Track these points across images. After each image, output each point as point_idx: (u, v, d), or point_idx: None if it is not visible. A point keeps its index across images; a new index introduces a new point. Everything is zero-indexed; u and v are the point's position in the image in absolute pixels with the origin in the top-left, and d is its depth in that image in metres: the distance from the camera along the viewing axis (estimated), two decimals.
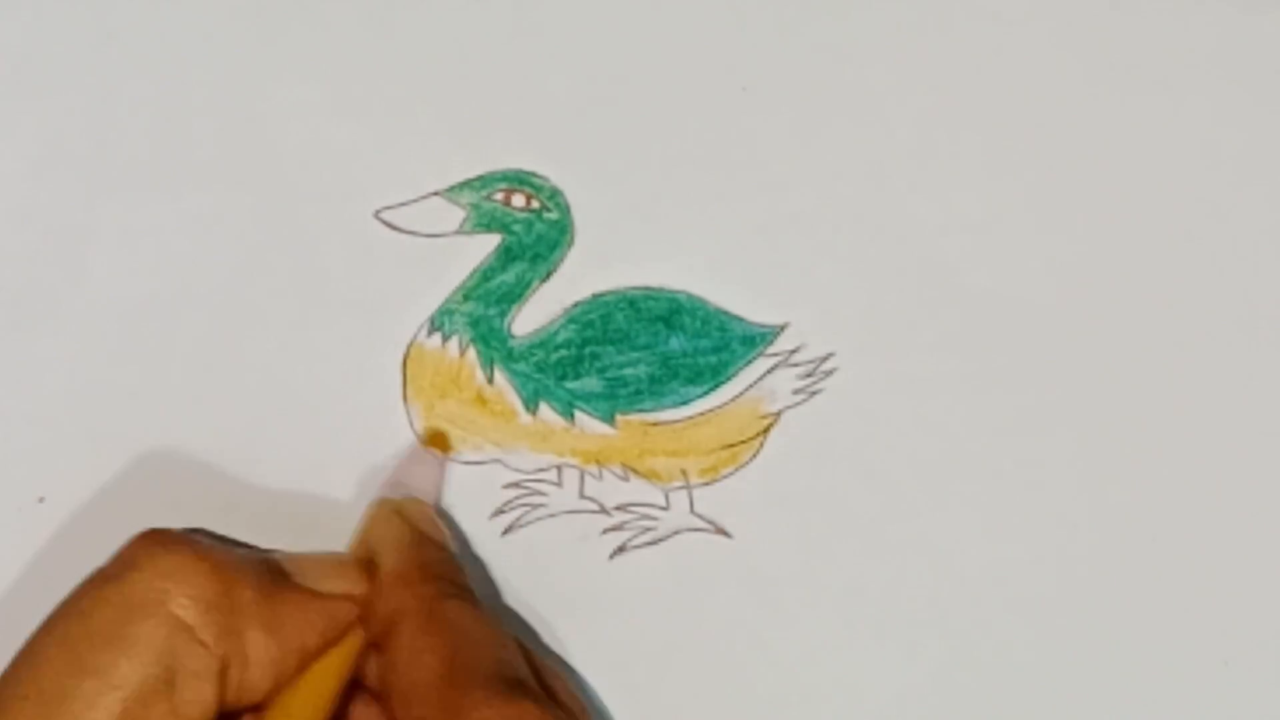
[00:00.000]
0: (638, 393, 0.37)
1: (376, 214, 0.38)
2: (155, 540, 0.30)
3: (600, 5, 0.39)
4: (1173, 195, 0.38)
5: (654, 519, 0.36)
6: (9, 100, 0.39)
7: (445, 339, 0.37)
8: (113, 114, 0.39)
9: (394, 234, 0.38)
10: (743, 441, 0.37)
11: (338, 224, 0.38)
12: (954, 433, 0.37)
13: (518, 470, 0.37)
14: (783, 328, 0.37)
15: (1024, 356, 0.37)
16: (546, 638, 0.36)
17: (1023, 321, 0.37)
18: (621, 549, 0.36)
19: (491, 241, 0.38)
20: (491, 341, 0.37)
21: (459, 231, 0.38)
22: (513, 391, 0.37)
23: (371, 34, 0.39)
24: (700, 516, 0.36)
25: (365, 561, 0.33)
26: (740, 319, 0.37)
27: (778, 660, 0.36)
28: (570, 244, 0.38)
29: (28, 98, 0.39)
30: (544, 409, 0.37)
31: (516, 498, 0.36)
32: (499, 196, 0.38)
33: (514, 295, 0.37)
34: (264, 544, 0.34)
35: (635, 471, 0.37)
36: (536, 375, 0.37)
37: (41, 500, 0.37)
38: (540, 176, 0.38)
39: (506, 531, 0.36)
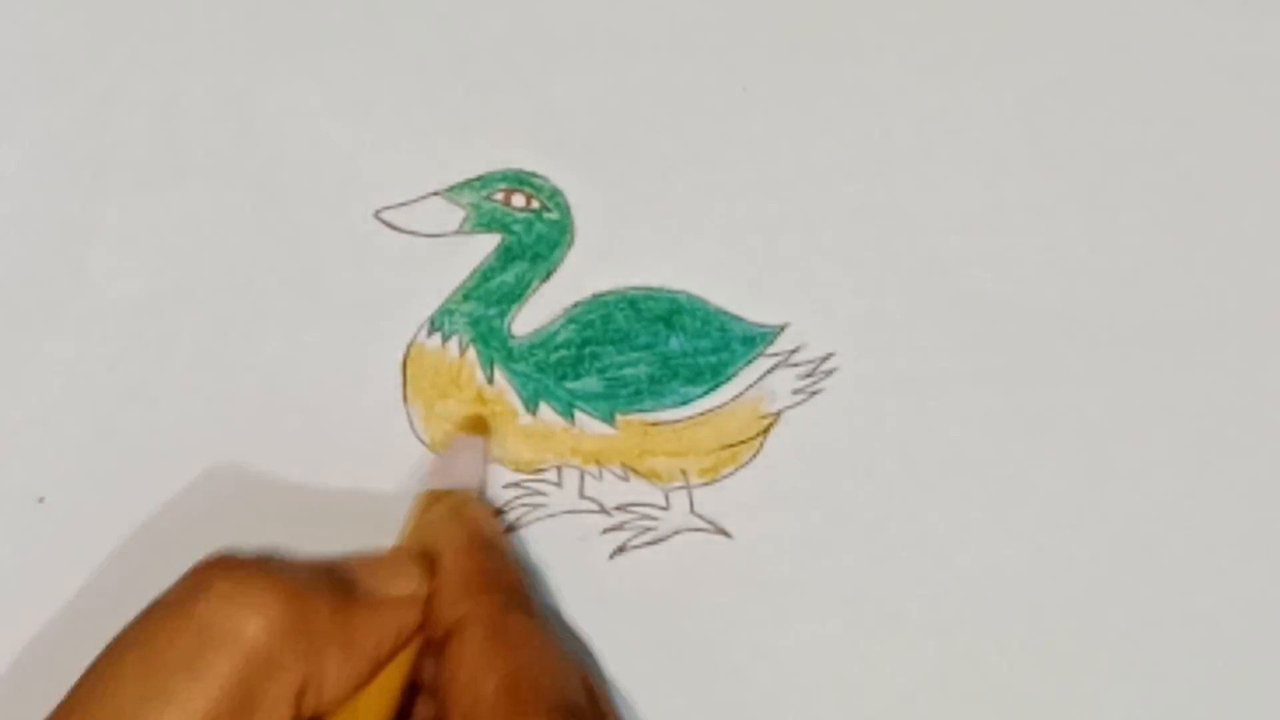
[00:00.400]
0: (638, 393, 0.37)
1: (376, 214, 0.38)
2: (223, 565, 0.30)
3: (600, 5, 0.39)
4: (1173, 195, 0.38)
5: (654, 519, 0.36)
6: (9, 100, 0.39)
7: (445, 339, 0.37)
8: (113, 114, 0.39)
9: (394, 234, 0.38)
10: (743, 441, 0.37)
11: (338, 224, 0.38)
12: (954, 433, 0.37)
13: (517, 471, 0.37)
14: (783, 328, 0.37)
15: (1024, 356, 0.37)
16: None
17: (1022, 321, 0.37)
18: (621, 549, 0.36)
19: (491, 241, 0.38)
20: (491, 341, 0.37)
21: (459, 231, 0.38)
22: (513, 391, 0.37)
23: (371, 34, 0.39)
24: (700, 516, 0.36)
25: (424, 558, 0.32)
26: (740, 319, 0.37)
27: (778, 660, 0.36)
28: (570, 244, 0.38)
29: (28, 98, 0.39)
30: (544, 409, 0.37)
31: (516, 498, 0.36)
32: (499, 196, 0.38)
33: (514, 295, 0.37)
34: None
35: (635, 471, 0.37)
36: (536, 375, 0.37)
37: (41, 500, 0.37)
38: (540, 176, 0.38)
39: (507, 532, 0.36)
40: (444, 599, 0.32)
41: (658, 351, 0.37)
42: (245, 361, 0.37)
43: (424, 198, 0.38)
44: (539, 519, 0.36)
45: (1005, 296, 0.37)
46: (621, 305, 0.37)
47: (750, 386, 0.37)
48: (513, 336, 0.37)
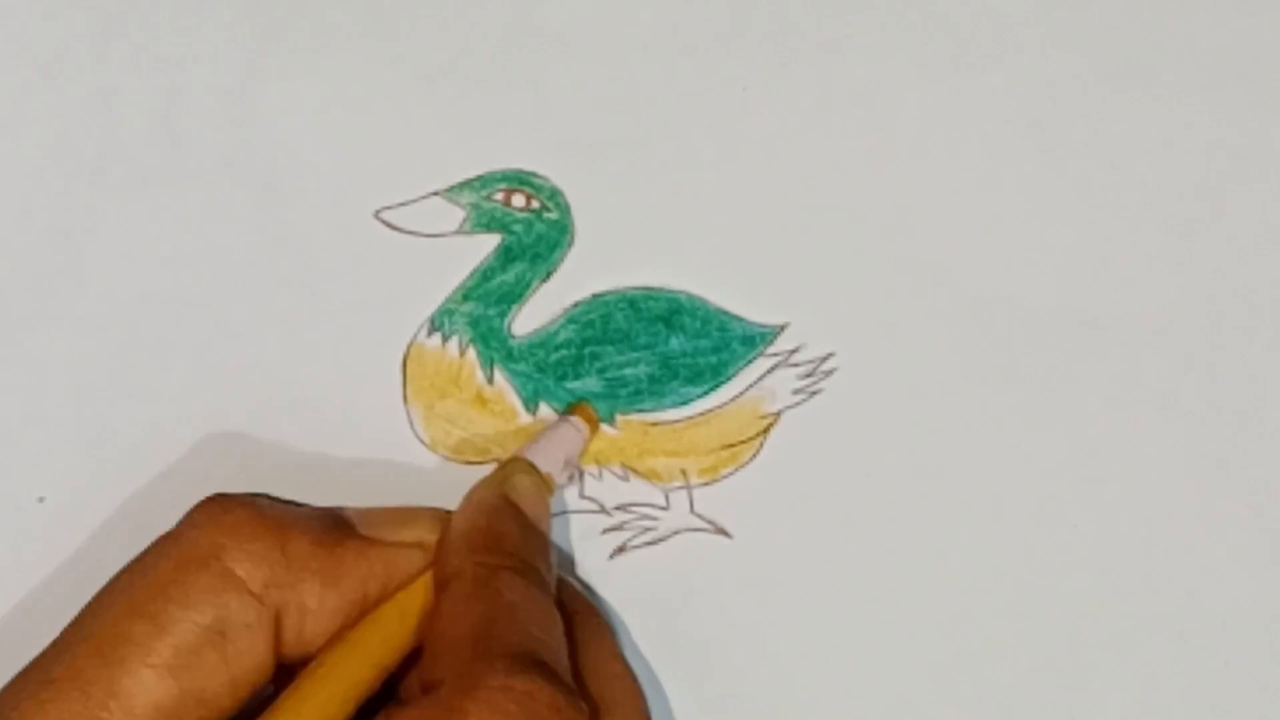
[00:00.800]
0: (638, 393, 0.37)
1: (376, 214, 0.38)
2: (216, 501, 0.31)
3: (600, 5, 0.39)
4: (1173, 195, 0.38)
5: (654, 519, 0.36)
6: (9, 100, 0.39)
7: (445, 339, 0.37)
8: (113, 114, 0.39)
9: (394, 234, 0.38)
10: (743, 441, 0.37)
11: (338, 224, 0.38)
12: (954, 433, 0.37)
13: None
14: (783, 328, 0.37)
15: (1024, 356, 0.37)
16: None
17: (1023, 321, 0.37)
18: (621, 549, 0.36)
19: (491, 241, 0.38)
20: (491, 341, 0.37)
21: (459, 231, 0.38)
22: (513, 391, 0.37)
23: (371, 34, 0.39)
24: (700, 516, 0.36)
25: (439, 513, 0.33)
26: (740, 319, 0.37)
27: (778, 660, 0.36)
28: (570, 244, 0.38)
29: (28, 97, 0.39)
30: (544, 409, 0.37)
31: None
32: (499, 196, 0.38)
33: (514, 295, 0.37)
34: None
35: (635, 471, 0.37)
36: (536, 375, 0.37)
37: (41, 500, 0.37)
38: (540, 176, 0.38)
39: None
40: (445, 552, 0.32)
41: (658, 351, 0.37)
42: (245, 361, 0.37)
43: (424, 198, 0.38)
44: None
45: (1005, 296, 0.37)
46: (621, 305, 0.37)
47: (750, 386, 0.37)
48: (513, 336, 0.37)
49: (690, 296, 0.37)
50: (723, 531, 0.36)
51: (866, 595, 0.36)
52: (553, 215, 0.38)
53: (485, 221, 0.38)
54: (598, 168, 0.38)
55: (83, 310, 0.38)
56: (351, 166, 0.38)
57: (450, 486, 0.36)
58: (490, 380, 0.37)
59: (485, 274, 0.38)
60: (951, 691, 0.35)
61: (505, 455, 0.36)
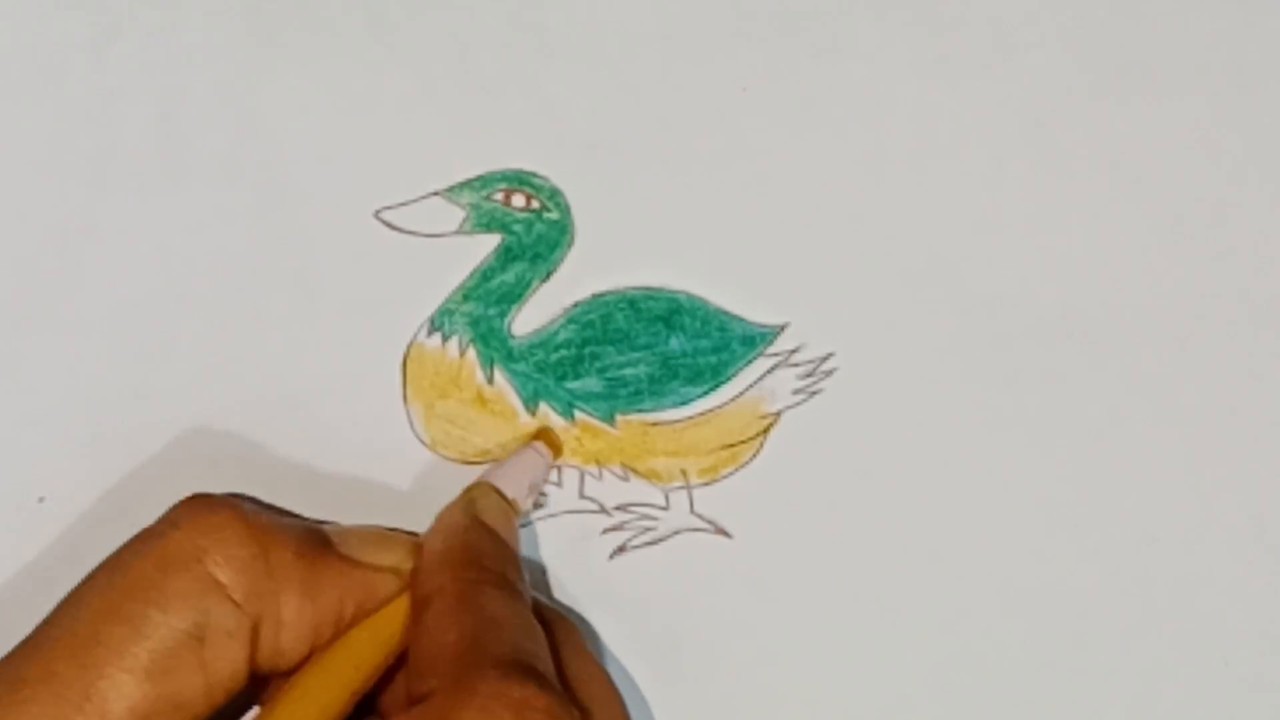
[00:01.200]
0: (638, 393, 0.37)
1: (376, 214, 0.38)
2: (200, 501, 0.31)
3: (601, 5, 0.39)
4: (1173, 195, 0.38)
5: (654, 519, 0.36)
6: (10, 100, 0.39)
7: (445, 339, 0.37)
8: (113, 113, 0.39)
9: (394, 234, 0.38)
10: (743, 441, 0.37)
11: (338, 224, 0.38)
12: (954, 433, 0.37)
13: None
14: (783, 328, 0.37)
15: (1024, 356, 0.37)
16: None
17: (1023, 321, 0.37)
18: (621, 549, 0.36)
19: (491, 241, 0.38)
20: (491, 341, 0.37)
21: (459, 231, 0.38)
22: (513, 391, 0.37)
23: (371, 34, 0.39)
24: (700, 516, 0.36)
25: (412, 539, 0.33)
26: (740, 319, 0.37)
27: (778, 660, 0.36)
28: (570, 244, 0.38)
29: (28, 97, 0.39)
30: (544, 409, 0.37)
31: None
32: (499, 196, 0.38)
33: (514, 295, 0.37)
34: None
35: (635, 471, 0.37)
36: (536, 375, 0.37)
37: (41, 500, 0.37)
38: (540, 176, 0.38)
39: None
40: (424, 571, 0.32)
41: (658, 351, 0.37)
42: (245, 361, 0.37)
43: (424, 198, 0.38)
44: (539, 519, 0.36)
45: (1005, 296, 0.37)
46: (621, 305, 0.37)
47: (750, 386, 0.37)
48: (513, 336, 0.37)
49: (690, 296, 0.37)
50: (723, 531, 0.36)
51: (866, 595, 0.36)
52: (553, 215, 0.38)
53: (485, 221, 0.38)
54: (598, 168, 0.38)
55: (82, 310, 0.38)
56: (351, 166, 0.38)
57: (450, 486, 0.36)
58: (490, 380, 0.37)
59: (485, 274, 0.38)
60: (951, 691, 0.35)
61: (505, 455, 0.36)
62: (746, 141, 0.38)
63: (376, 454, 0.37)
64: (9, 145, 0.39)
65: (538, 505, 0.36)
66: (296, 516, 0.34)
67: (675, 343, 0.37)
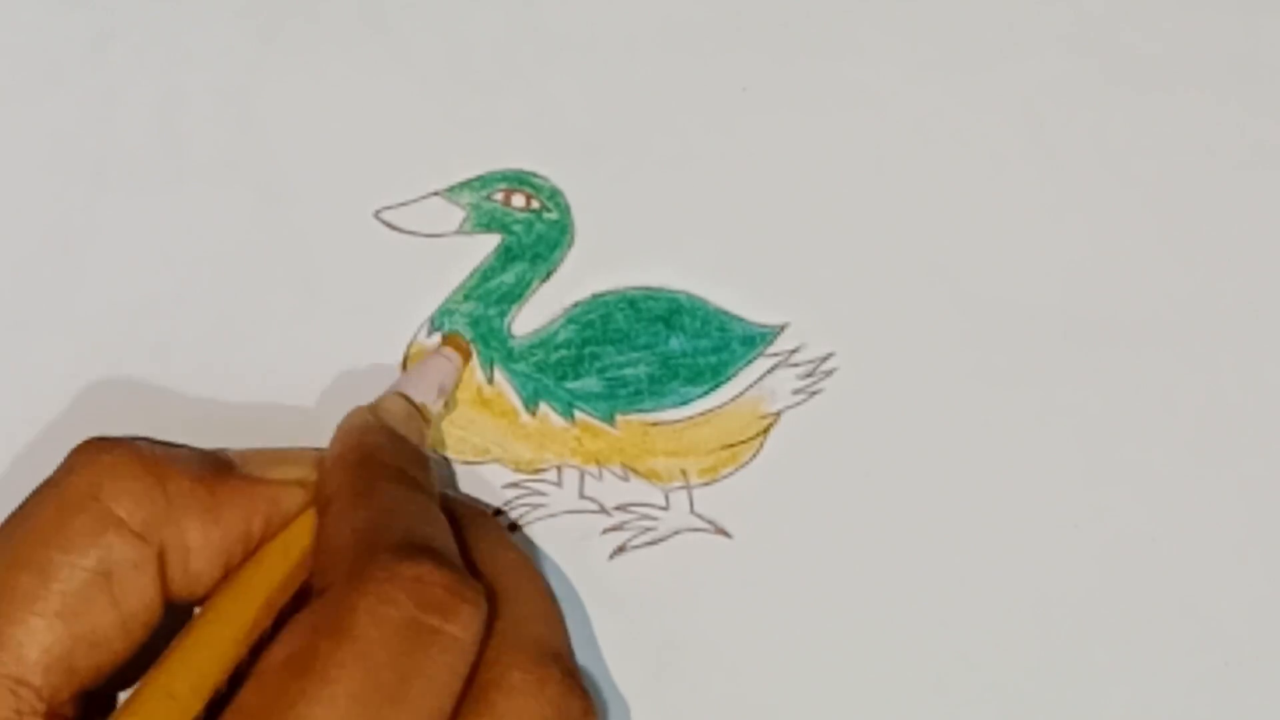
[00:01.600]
0: (638, 393, 0.37)
1: (376, 214, 0.38)
2: (93, 443, 0.31)
3: (601, 5, 0.39)
4: (1174, 195, 0.38)
5: (654, 519, 0.36)
6: (9, 100, 0.39)
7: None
8: (113, 114, 0.39)
9: (394, 234, 0.38)
10: (743, 441, 0.37)
11: (338, 224, 0.38)
12: (954, 433, 0.37)
13: (517, 470, 0.37)
14: (783, 328, 0.37)
15: (1025, 357, 0.37)
16: None
17: (1023, 321, 0.37)
18: (621, 549, 0.36)
19: (491, 241, 0.38)
20: (491, 341, 0.37)
21: (459, 231, 0.38)
22: (512, 391, 0.37)
23: (371, 34, 0.39)
24: (700, 516, 0.36)
25: (317, 452, 0.33)
26: (740, 319, 0.37)
27: (778, 660, 0.36)
28: (570, 244, 0.38)
29: (28, 98, 0.39)
30: (544, 409, 0.37)
31: (516, 498, 0.37)
32: (499, 196, 0.38)
33: (514, 295, 0.37)
34: None
35: (635, 471, 0.37)
36: (536, 375, 0.37)
37: None
38: (540, 176, 0.38)
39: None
40: (323, 475, 0.32)
41: (658, 351, 0.37)
42: (245, 361, 0.37)
43: (424, 198, 0.38)
44: (539, 519, 0.36)
45: (1005, 297, 0.37)
46: (621, 305, 0.37)
47: (750, 386, 0.37)
48: (513, 336, 0.37)
49: (690, 296, 0.37)
50: (723, 531, 0.36)
51: (867, 595, 0.36)
52: (553, 215, 0.38)
53: (485, 221, 0.38)
54: (598, 168, 0.38)
55: (83, 310, 0.38)
56: (351, 166, 0.38)
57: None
58: (490, 380, 0.37)
59: (485, 274, 0.38)
60: (952, 691, 0.35)
61: (505, 455, 0.36)
62: (746, 141, 0.38)
63: None
64: (9, 145, 0.39)
65: (447, 407, 0.36)
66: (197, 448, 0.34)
67: (675, 343, 0.37)
